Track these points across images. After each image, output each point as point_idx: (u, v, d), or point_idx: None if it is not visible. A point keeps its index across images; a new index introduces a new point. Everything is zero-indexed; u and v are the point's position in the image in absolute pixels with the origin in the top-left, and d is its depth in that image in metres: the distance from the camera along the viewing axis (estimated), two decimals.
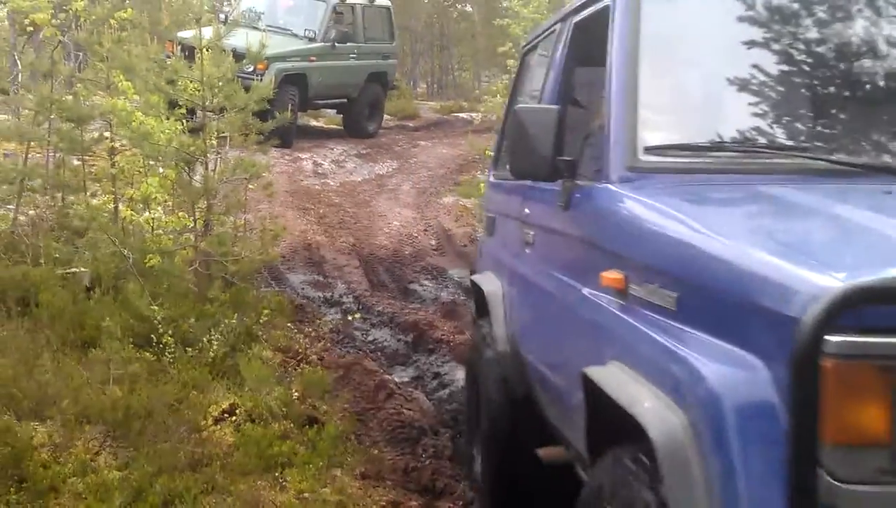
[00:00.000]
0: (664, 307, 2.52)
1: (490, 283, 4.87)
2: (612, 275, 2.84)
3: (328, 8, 16.51)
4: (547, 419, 3.93)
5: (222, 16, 13.76)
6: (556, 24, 4.46)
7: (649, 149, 3.04)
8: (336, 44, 16.44)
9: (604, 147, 3.16)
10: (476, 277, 5.31)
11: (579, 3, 4.02)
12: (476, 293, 5.27)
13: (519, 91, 5.45)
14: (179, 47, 7.62)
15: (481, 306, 5.06)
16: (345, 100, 17.41)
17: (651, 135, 3.08)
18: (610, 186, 3.05)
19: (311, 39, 16.07)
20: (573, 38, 4.05)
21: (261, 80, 8.74)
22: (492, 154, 6.21)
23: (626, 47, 3.25)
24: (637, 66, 3.19)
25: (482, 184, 11.42)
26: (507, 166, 5.25)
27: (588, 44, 3.88)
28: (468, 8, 33.61)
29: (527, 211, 4.19)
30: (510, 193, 4.72)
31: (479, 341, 4.84)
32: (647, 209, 2.83)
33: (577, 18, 4.01)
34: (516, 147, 3.41)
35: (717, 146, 3.06)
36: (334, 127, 18.71)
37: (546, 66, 4.40)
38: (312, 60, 15.94)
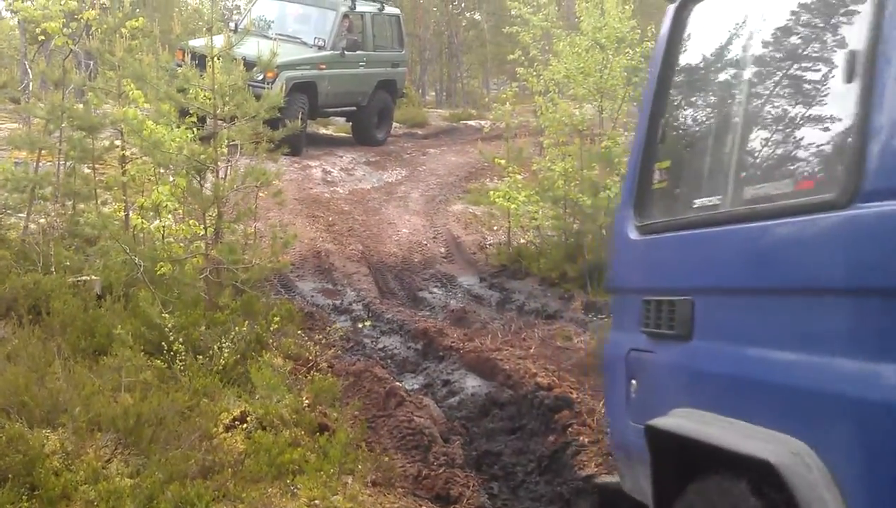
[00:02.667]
0: None
1: (768, 445, 2.43)
2: None
3: (338, 16, 16.55)
4: None
5: (233, 24, 13.90)
6: None
7: None
8: (345, 52, 16.47)
9: None
10: (673, 424, 2.88)
11: None
12: (665, 454, 2.94)
13: (682, 72, 3.49)
14: (190, 56, 7.63)
15: (673, 482, 2.92)
16: (354, 108, 17.43)
17: None
18: None
19: (321, 48, 16.10)
20: None
21: (271, 88, 8.75)
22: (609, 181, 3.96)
23: None
24: None
25: (491, 192, 11.43)
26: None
27: None
28: (477, 16, 33.62)
29: None
30: (800, 246, 2.54)
31: None
32: None
33: None
34: None
35: None
36: (343, 135, 18.75)
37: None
38: (322, 68, 15.97)
